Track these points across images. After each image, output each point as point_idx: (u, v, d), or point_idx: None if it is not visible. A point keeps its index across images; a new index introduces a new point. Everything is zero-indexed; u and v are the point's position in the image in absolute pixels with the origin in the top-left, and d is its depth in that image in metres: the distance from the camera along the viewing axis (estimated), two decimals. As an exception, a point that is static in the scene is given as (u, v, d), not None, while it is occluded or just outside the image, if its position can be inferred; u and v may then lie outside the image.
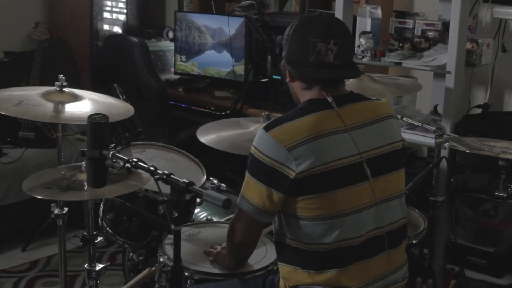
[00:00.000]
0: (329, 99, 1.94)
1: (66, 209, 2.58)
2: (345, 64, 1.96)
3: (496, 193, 2.58)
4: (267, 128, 1.92)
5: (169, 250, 2.28)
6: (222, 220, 2.70)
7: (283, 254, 2.00)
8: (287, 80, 2.05)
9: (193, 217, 2.76)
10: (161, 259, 2.27)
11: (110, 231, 2.64)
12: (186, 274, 2.17)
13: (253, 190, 1.93)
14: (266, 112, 2.72)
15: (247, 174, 1.96)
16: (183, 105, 4.37)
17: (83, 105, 2.51)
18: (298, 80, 2.01)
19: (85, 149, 1.93)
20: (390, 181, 2.00)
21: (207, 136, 2.65)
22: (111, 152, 1.88)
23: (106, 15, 4.67)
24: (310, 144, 1.87)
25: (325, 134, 1.90)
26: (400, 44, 3.35)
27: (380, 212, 1.96)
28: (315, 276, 1.92)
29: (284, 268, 2.00)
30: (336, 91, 1.98)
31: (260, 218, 1.96)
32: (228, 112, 4.06)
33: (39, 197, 2.19)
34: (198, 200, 2.64)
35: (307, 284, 1.93)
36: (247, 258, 2.20)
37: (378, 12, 3.52)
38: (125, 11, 4.68)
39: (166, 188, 1.78)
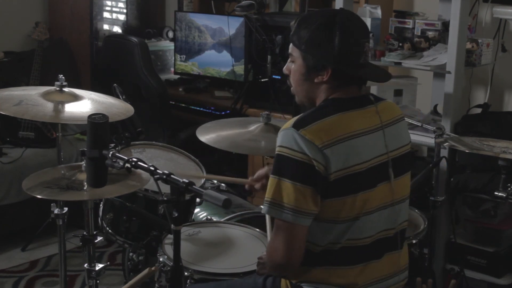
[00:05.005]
0: (371, 97, 1.96)
1: (66, 209, 2.58)
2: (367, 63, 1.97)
3: (496, 193, 2.57)
4: (297, 127, 1.81)
5: (169, 250, 2.29)
6: (222, 220, 2.70)
7: None
8: (318, 78, 1.90)
9: (193, 217, 2.76)
10: (161, 259, 2.27)
11: (110, 231, 2.64)
12: (186, 274, 2.18)
13: (287, 193, 1.79)
14: (266, 112, 2.71)
15: (273, 179, 1.82)
16: (183, 105, 4.37)
17: (83, 105, 2.51)
18: (331, 79, 1.89)
19: (85, 149, 1.93)
20: (405, 182, 1.98)
21: (207, 135, 2.65)
22: (111, 152, 1.88)
23: (106, 15, 4.67)
24: (342, 144, 1.82)
25: (359, 134, 1.87)
26: (400, 44, 3.35)
27: (394, 213, 1.94)
28: (317, 272, 1.90)
29: None
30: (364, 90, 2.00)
31: (301, 221, 1.80)
32: (228, 112, 4.06)
33: (39, 196, 2.19)
34: (198, 200, 2.64)
35: (308, 281, 1.92)
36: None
37: (378, 12, 3.52)
38: (125, 11, 4.69)
39: (166, 188, 1.78)
